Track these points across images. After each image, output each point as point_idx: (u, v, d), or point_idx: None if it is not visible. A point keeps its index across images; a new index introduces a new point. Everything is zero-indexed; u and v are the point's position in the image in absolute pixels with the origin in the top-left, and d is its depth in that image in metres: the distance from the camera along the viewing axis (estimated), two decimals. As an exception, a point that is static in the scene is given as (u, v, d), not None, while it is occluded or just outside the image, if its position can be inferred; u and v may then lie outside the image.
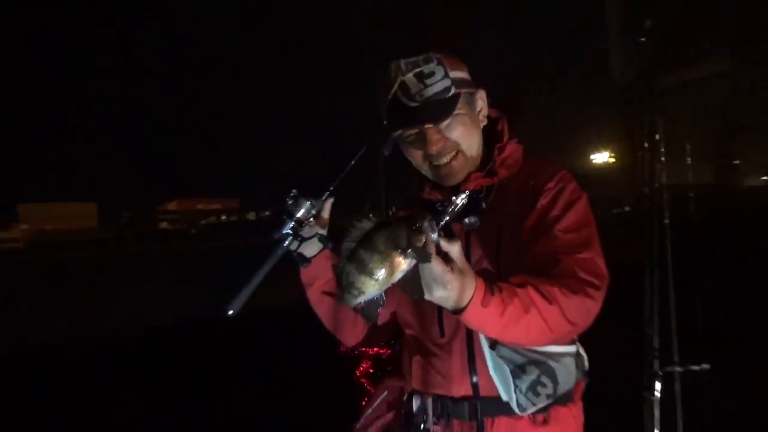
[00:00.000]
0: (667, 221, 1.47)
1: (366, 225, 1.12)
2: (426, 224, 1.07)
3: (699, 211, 1.67)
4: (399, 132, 1.41)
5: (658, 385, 1.42)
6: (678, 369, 1.41)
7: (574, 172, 1.47)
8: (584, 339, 1.41)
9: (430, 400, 1.47)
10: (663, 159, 1.53)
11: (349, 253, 1.11)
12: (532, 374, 1.34)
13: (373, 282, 1.10)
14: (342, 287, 1.14)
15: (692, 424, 1.40)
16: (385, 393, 1.61)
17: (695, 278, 1.54)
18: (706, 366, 1.43)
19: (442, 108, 1.39)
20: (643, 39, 1.50)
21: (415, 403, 1.50)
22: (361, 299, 1.12)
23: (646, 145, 1.46)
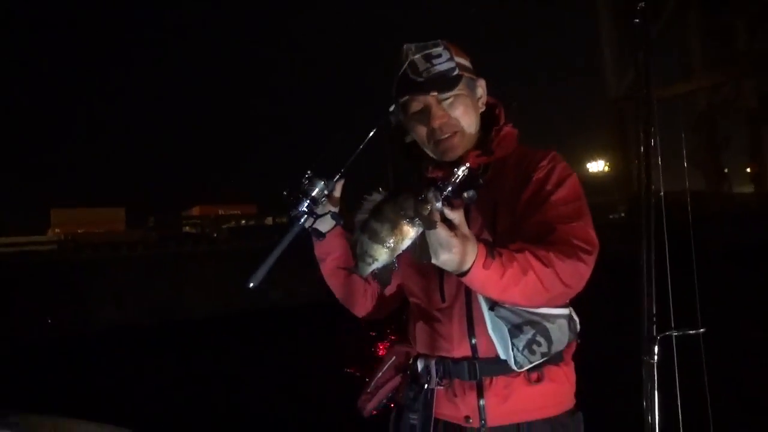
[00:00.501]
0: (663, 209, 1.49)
1: (376, 198, 1.18)
2: (431, 194, 1.13)
3: (692, 212, 1.69)
4: (405, 98, 1.48)
5: (656, 349, 1.44)
6: (675, 333, 1.43)
7: None
8: (585, 313, 1.50)
9: (433, 362, 1.50)
10: (660, 164, 1.55)
11: (361, 224, 1.18)
12: (528, 333, 1.37)
13: (384, 249, 1.15)
14: (356, 256, 1.21)
15: (688, 385, 1.44)
16: (393, 358, 1.65)
17: (690, 258, 1.56)
18: (701, 330, 1.45)
19: (445, 82, 1.44)
20: (637, 20, 1.54)
21: (420, 365, 1.53)
22: (375, 266, 1.18)
23: (642, 150, 1.51)
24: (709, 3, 39.56)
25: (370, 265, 1.18)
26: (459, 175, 1.22)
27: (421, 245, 1.17)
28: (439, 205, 1.14)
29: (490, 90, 1.59)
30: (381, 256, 1.17)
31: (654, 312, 1.43)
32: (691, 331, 1.42)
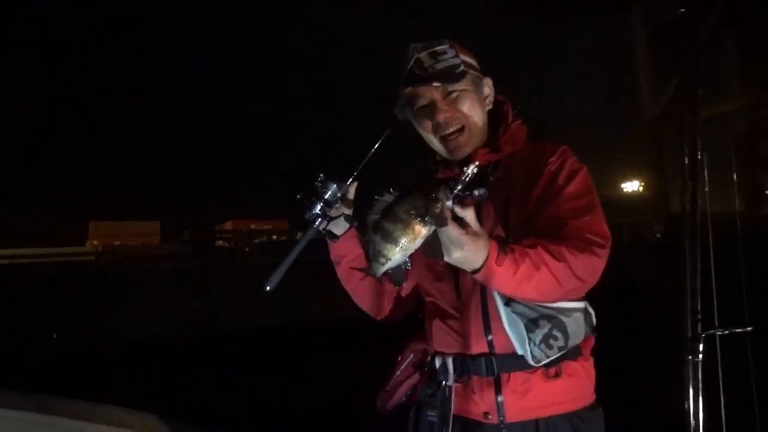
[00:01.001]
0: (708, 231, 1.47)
1: (387, 198, 1.18)
2: (441, 193, 1.14)
3: (730, 235, 1.65)
4: (409, 90, 1.48)
5: (701, 347, 1.39)
6: (720, 332, 1.39)
7: (605, 200, 1.46)
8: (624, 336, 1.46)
9: (450, 359, 1.49)
10: (706, 186, 1.53)
11: (374, 225, 1.19)
12: (545, 328, 1.36)
13: (397, 249, 1.16)
14: (370, 256, 1.21)
15: (732, 385, 1.38)
16: (411, 356, 1.64)
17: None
18: (749, 329, 1.40)
19: (450, 76, 1.44)
20: (683, 10, 1.53)
21: (437, 363, 1.53)
22: (389, 266, 1.19)
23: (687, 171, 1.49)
24: (746, 24, 38.88)
25: (383, 265, 1.19)
26: (468, 174, 1.21)
27: (433, 244, 1.17)
28: (449, 203, 1.15)
29: (498, 90, 1.58)
30: (394, 255, 1.17)
31: (698, 309, 1.41)
32: (737, 330, 1.39)
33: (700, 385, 1.37)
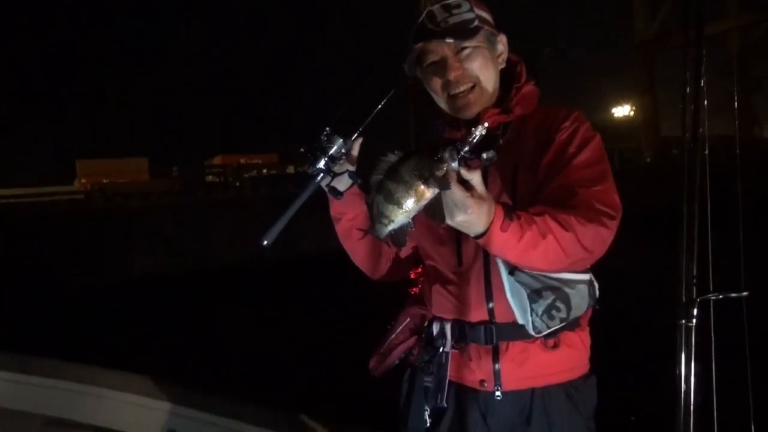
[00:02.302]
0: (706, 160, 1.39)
1: (392, 158, 1.14)
2: (446, 154, 1.09)
3: (721, 159, 1.55)
4: (420, 46, 1.40)
5: (695, 313, 1.35)
6: (715, 296, 1.35)
7: (595, 125, 1.41)
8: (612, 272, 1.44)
9: (449, 325, 1.47)
10: (705, 106, 1.44)
11: (377, 186, 1.14)
12: (548, 299, 1.33)
13: (401, 210, 1.12)
14: (373, 218, 1.17)
15: (727, 351, 1.35)
16: (408, 320, 1.61)
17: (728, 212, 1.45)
18: (744, 293, 1.36)
19: (464, 31, 1.36)
20: None
21: (435, 328, 1.50)
22: (391, 227, 1.15)
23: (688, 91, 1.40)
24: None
25: (386, 226, 1.17)
26: (476, 135, 1.16)
27: (436, 206, 1.15)
28: (455, 165, 1.11)
29: (512, 47, 1.51)
30: (397, 217, 1.15)
31: (693, 274, 1.36)
32: (733, 294, 1.34)
33: (693, 351, 1.34)
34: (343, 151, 1.38)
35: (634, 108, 46.59)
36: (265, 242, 1.30)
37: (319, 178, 1.36)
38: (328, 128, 1.38)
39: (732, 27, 37.63)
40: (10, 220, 16.23)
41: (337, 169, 1.39)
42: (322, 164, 1.36)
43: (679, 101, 1.50)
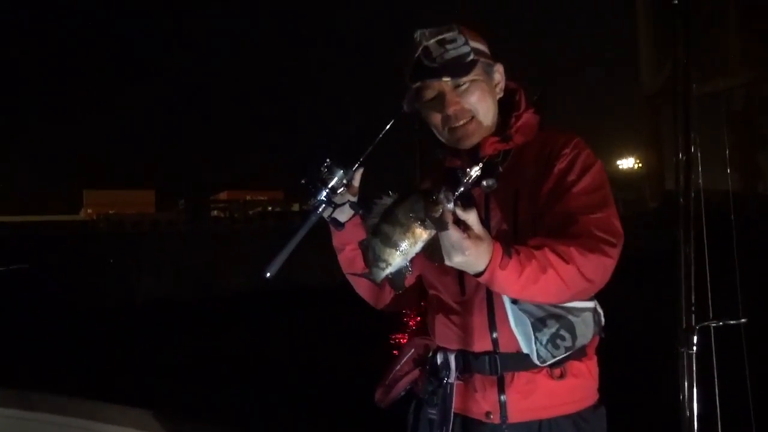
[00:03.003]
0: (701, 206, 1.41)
1: (387, 201, 1.14)
2: (441, 196, 1.09)
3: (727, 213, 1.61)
4: (418, 85, 1.40)
5: (695, 340, 1.36)
6: (714, 323, 1.35)
7: None
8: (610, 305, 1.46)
9: (453, 356, 1.44)
10: (699, 157, 1.47)
11: (373, 229, 1.14)
12: (552, 327, 1.32)
13: (397, 253, 1.12)
14: (369, 261, 1.17)
15: (726, 378, 1.36)
16: (412, 351, 1.59)
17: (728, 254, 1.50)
18: (742, 320, 1.37)
19: (460, 67, 1.37)
20: (676, 1, 1.47)
21: (439, 359, 1.48)
22: (389, 271, 1.15)
23: (681, 147, 1.45)
24: (748, 2, 38.46)
25: (383, 269, 1.16)
26: (471, 175, 1.18)
27: (433, 247, 1.14)
28: (450, 206, 1.11)
29: (510, 75, 1.52)
30: (394, 260, 1.14)
31: (693, 301, 1.38)
32: (731, 321, 1.36)
33: (695, 378, 1.35)
34: (344, 182, 1.38)
35: (638, 161, 46.91)
36: (268, 274, 1.29)
37: (320, 210, 1.36)
38: (328, 160, 1.38)
39: (735, 84, 38.12)
40: (18, 243, 16.27)
41: (338, 200, 1.39)
42: (323, 195, 1.36)
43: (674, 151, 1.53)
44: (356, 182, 1.43)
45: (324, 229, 1.47)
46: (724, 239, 1.60)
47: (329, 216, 1.42)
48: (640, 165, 46.62)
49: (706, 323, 1.37)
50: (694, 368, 1.36)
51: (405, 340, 1.70)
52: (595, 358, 1.48)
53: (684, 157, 1.46)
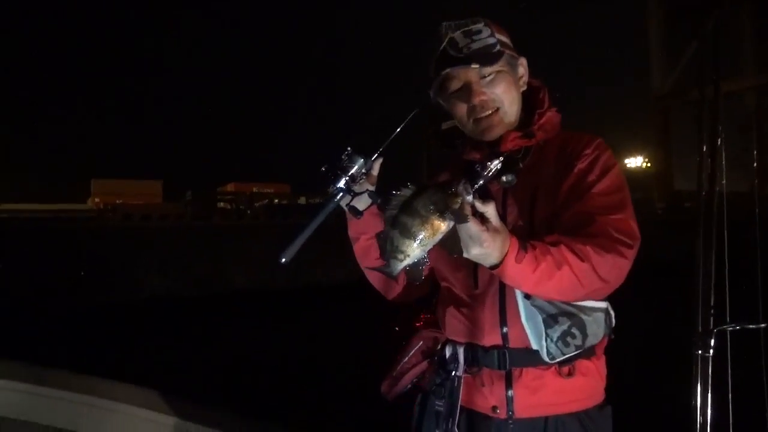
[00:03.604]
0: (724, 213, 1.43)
1: (406, 193, 1.15)
2: (461, 188, 1.11)
3: (739, 215, 1.60)
4: (445, 73, 1.41)
5: (712, 343, 1.37)
6: (732, 327, 1.37)
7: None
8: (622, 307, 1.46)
9: (462, 349, 1.45)
10: (724, 162, 1.48)
11: (391, 220, 1.15)
12: (564, 325, 1.32)
13: (416, 244, 1.13)
14: (387, 253, 1.17)
15: (744, 382, 1.36)
16: (420, 343, 1.60)
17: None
18: (762, 325, 1.38)
19: (487, 56, 1.38)
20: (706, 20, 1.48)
21: (448, 352, 1.49)
22: (407, 262, 1.16)
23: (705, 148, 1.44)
24: (761, 3, 38.27)
25: (401, 261, 1.17)
26: (492, 168, 1.19)
27: (452, 239, 1.15)
28: (469, 198, 1.12)
29: (534, 72, 1.54)
30: (413, 251, 1.15)
31: (711, 304, 1.38)
32: (750, 326, 1.36)
33: (710, 381, 1.35)
34: (363, 170, 1.38)
35: (647, 160, 46.74)
36: (284, 259, 1.30)
37: (338, 197, 1.37)
38: (349, 148, 1.39)
39: (749, 86, 37.95)
40: (23, 234, 16.32)
41: (357, 188, 1.39)
42: (342, 183, 1.36)
43: (694, 155, 1.55)
44: (375, 171, 1.44)
45: (331, 229, 1.46)
46: (739, 241, 1.59)
47: (348, 204, 1.42)
48: (648, 164, 46.45)
49: (723, 327, 1.37)
50: (710, 372, 1.36)
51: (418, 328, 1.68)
52: (603, 358, 1.49)
53: (708, 161, 1.45)
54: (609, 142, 1.43)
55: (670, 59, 39.08)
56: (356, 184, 1.38)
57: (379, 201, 1.42)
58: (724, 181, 1.45)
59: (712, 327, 1.37)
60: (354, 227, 1.57)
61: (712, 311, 1.38)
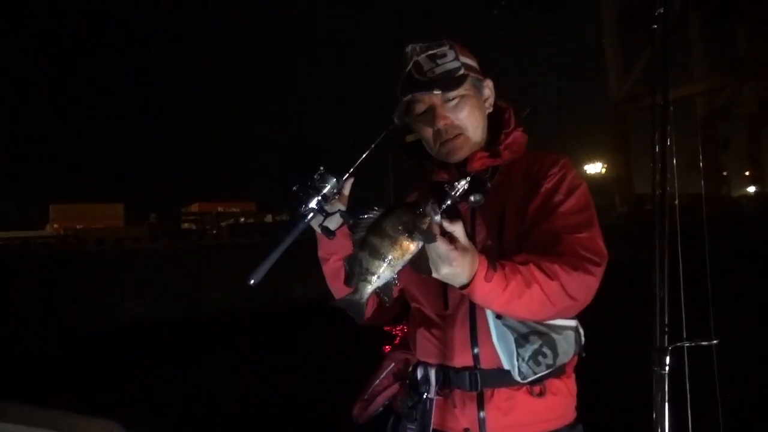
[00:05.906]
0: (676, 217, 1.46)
1: (373, 215, 1.14)
2: (429, 208, 1.10)
3: (691, 215, 1.58)
4: (409, 98, 1.42)
5: (667, 360, 1.39)
6: (687, 344, 1.38)
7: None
8: (590, 320, 1.44)
9: (433, 371, 1.44)
10: (674, 165, 1.51)
11: (360, 242, 1.14)
12: (535, 344, 1.32)
13: (385, 265, 1.12)
14: (356, 276, 1.15)
15: (698, 397, 1.38)
16: (392, 365, 1.58)
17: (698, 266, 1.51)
18: (714, 341, 1.40)
19: (450, 81, 1.38)
20: (655, 26, 1.52)
21: (419, 373, 1.47)
22: (377, 284, 1.14)
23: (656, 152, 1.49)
24: (710, 10, 39.70)
25: (371, 284, 1.16)
26: (459, 189, 1.20)
27: (421, 259, 1.15)
28: (437, 218, 1.12)
29: (500, 93, 1.55)
30: (382, 272, 1.14)
31: (666, 322, 1.40)
32: (703, 342, 1.39)
33: (666, 398, 1.37)
34: (335, 190, 1.37)
35: (606, 165, 47.83)
36: (252, 281, 1.27)
37: (310, 217, 1.35)
38: (322, 167, 1.37)
39: (699, 91, 39.26)
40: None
41: (329, 208, 1.37)
42: (314, 203, 1.34)
43: (651, 159, 1.56)
44: (347, 191, 1.43)
45: (309, 244, 1.44)
46: (692, 246, 1.63)
47: (320, 224, 1.40)
48: (608, 169, 47.50)
49: (679, 344, 1.40)
50: (666, 387, 1.38)
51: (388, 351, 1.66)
52: (573, 376, 1.50)
53: (659, 170, 1.48)
54: (569, 149, 1.45)
55: (626, 65, 40.17)
56: (328, 204, 1.37)
57: (350, 221, 1.38)
58: (676, 202, 1.49)
59: (666, 345, 1.39)
60: (325, 248, 1.55)
61: (666, 329, 1.40)
